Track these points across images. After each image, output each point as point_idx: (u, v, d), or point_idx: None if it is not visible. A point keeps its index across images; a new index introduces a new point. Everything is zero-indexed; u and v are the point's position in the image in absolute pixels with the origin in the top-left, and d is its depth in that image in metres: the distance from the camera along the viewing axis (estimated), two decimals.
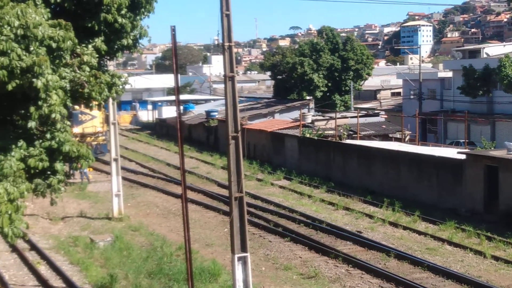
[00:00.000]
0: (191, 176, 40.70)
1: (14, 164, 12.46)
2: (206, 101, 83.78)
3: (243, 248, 15.76)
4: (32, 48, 11.73)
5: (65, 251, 24.04)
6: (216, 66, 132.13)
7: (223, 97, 16.88)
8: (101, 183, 39.53)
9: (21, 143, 12.97)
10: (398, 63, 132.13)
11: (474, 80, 54.61)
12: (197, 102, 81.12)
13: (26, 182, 12.82)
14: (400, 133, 45.58)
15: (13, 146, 12.77)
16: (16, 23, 11.57)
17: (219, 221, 29.25)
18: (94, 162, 14.46)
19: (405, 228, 27.09)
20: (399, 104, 71.37)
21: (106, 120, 49.87)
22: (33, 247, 24.38)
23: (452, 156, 31.22)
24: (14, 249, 24.00)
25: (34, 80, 11.72)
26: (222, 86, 74.51)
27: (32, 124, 12.74)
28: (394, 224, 27.67)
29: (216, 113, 60.55)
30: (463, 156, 30.24)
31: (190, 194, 33.62)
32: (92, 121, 47.15)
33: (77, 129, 45.82)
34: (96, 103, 15.11)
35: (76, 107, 50.27)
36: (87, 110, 43.92)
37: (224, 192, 33.61)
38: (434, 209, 30.31)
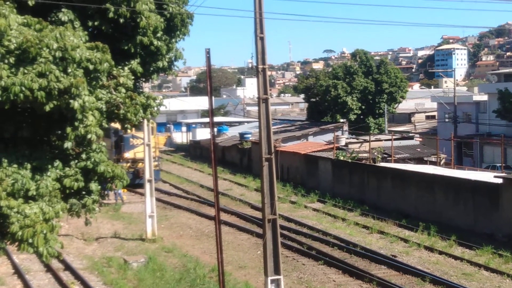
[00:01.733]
0: (225, 198, 40.68)
1: (50, 184, 12.59)
2: (240, 123, 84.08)
3: (276, 271, 15.65)
4: (70, 70, 11.90)
5: (99, 271, 24.13)
6: (250, 89, 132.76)
7: (257, 119, 16.89)
8: (135, 204, 39.74)
9: (57, 163, 13.11)
10: (432, 86, 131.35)
11: (509, 104, 53.84)
12: (231, 124, 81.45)
13: (61, 202, 12.94)
14: (435, 156, 45.04)
15: (49, 166, 12.92)
16: (55, 45, 11.74)
17: (252, 243, 29.13)
18: (128, 182, 14.49)
19: (440, 252, 26.65)
20: (433, 127, 70.74)
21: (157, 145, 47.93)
22: (68, 267, 24.51)
23: (489, 180, 30.69)
24: (49, 269, 24.16)
25: (71, 101, 11.87)
26: (255, 108, 74.75)
27: (68, 144, 12.88)
28: (430, 249, 27.25)
29: (249, 135, 60.65)
30: (500, 180, 29.71)
31: (224, 216, 33.57)
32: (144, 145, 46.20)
33: (128, 154, 45.06)
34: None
35: (128, 130, 48.07)
36: (139, 134, 43.24)
37: (258, 214, 33.51)
38: (470, 233, 29.77)
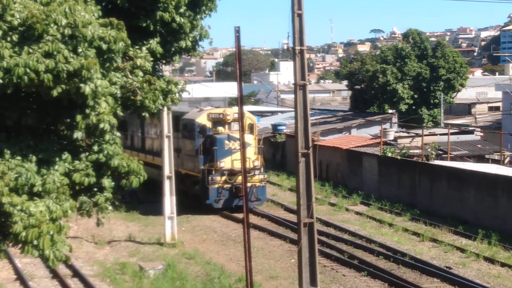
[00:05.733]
0: None
1: (57, 179, 12.72)
2: (273, 113, 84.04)
3: (313, 282, 15.67)
4: (80, 50, 11.98)
5: (111, 279, 24.38)
6: (284, 74, 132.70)
7: (293, 109, 16.90)
8: (152, 204, 39.94)
9: (66, 155, 13.24)
10: (497, 73, 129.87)
11: None
12: (262, 114, 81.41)
13: (70, 199, 13.08)
14: (499, 154, 44.60)
15: (57, 159, 13.05)
16: (64, 21, 11.84)
17: (286, 250, 29.18)
18: (146, 178, 14.53)
19: (503, 264, 26.45)
20: (497, 121, 69.99)
21: (262, 150, 38.72)
22: (76, 273, 24.79)
23: None
24: (55, 275, 24.46)
25: (81, 85, 11.96)
26: (291, 96, 74.64)
27: (78, 134, 13.01)
28: (490, 260, 27.06)
29: (284, 127, 60.56)
30: None
31: (253, 219, 33.66)
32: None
33: (223, 163, 35.91)
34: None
35: (221, 129, 39.98)
36: (237, 134, 35.08)
37: (292, 217, 33.55)
38: None
